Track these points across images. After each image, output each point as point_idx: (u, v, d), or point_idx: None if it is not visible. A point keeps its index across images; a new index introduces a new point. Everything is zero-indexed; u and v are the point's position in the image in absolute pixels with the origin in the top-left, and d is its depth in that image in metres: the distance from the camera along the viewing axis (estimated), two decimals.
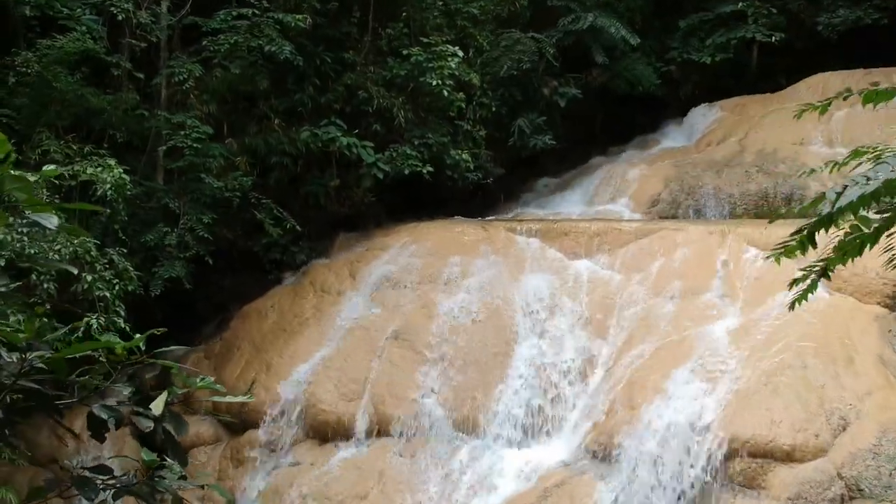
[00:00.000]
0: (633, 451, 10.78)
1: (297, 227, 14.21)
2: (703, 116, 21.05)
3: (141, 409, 3.12)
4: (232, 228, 15.00)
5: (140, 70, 13.87)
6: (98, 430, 3.09)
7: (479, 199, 19.96)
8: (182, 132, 13.21)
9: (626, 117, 22.43)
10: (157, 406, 3.11)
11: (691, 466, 10.35)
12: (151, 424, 3.13)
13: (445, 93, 16.15)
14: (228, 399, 5.54)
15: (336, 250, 15.97)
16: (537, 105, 19.12)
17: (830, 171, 5.64)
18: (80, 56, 12.98)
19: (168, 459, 3.26)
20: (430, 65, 16.00)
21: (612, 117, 22.40)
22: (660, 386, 11.27)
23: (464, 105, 17.14)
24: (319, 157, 15.84)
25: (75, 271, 8.16)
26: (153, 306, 13.99)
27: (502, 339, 13.11)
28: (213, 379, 3.51)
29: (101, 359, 3.14)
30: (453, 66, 16.06)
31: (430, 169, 15.99)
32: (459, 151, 16.79)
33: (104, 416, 3.05)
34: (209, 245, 13.42)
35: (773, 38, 20.38)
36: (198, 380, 3.33)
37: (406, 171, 15.81)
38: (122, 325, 10.48)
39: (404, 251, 14.72)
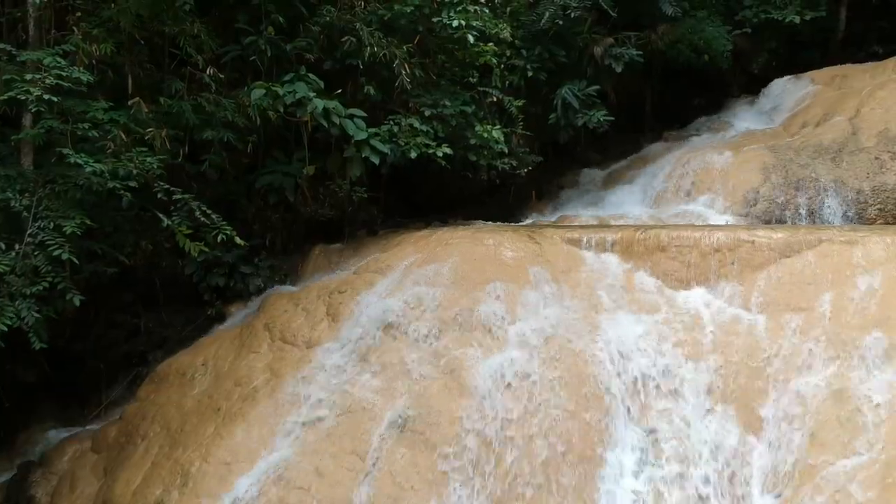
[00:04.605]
0: None
1: (236, 238, 7.87)
2: (789, 92, 14.89)
3: None
4: (151, 237, 8.84)
5: None
6: None
7: (501, 198, 13.89)
8: (29, 77, 6.99)
9: (678, 95, 16.38)
10: None
11: None
12: None
13: (471, 38, 10.00)
14: None
15: (309, 272, 9.73)
16: (584, 70, 12.97)
17: None
18: None
19: None
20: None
21: (661, 95, 16.32)
22: None
23: (495, 62, 11.01)
24: (283, 131, 9.68)
25: None
26: (22, 360, 7.91)
27: (584, 432, 7.00)
28: None
29: None
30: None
31: (448, 151, 9.85)
32: (488, 127, 10.60)
33: None
34: (84, 268, 7.19)
35: None
36: None
37: (413, 155, 9.61)
38: None
39: (412, 276, 8.51)
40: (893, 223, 11.19)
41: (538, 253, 8.65)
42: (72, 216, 6.91)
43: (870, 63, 14.70)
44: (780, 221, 11.41)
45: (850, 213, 11.46)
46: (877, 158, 11.84)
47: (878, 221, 11.31)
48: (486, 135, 10.50)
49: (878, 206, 11.41)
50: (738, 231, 8.55)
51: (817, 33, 15.92)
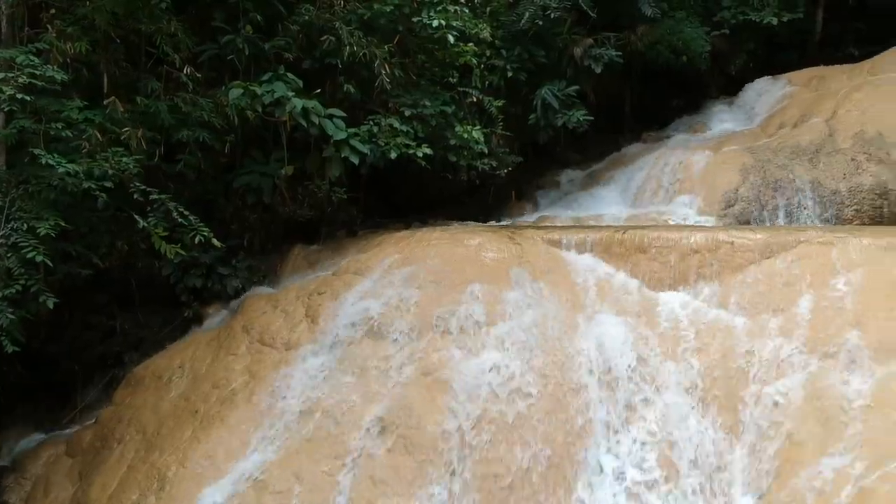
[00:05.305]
0: None
1: (213, 240, 7.80)
2: (766, 93, 15.00)
3: None
4: (127, 238, 8.71)
5: None
6: None
7: (481, 198, 13.82)
8: (1, 76, 6.85)
9: (657, 96, 16.44)
10: None
11: None
12: None
13: (451, 38, 9.97)
14: None
15: (288, 273, 9.65)
16: (564, 71, 12.97)
17: None
18: None
19: None
20: None
21: (640, 96, 16.36)
22: None
23: (475, 62, 10.98)
24: (262, 131, 9.59)
25: None
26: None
27: (565, 433, 6.98)
28: None
29: None
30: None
31: (428, 151, 9.81)
32: (468, 127, 10.58)
33: None
34: (58, 269, 7.08)
35: None
36: None
37: (393, 155, 9.57)
38: None
39: (392, 277, 8.46)
40: (869, 224, 11.27)
41: (518, 254, 8.62)
42: (46, 217, 6.79)
43: (846, 65, 14.81)
44: (759, 222, 11.47)
45: (827, 214, 11.52)
46: (853, 160, 11.92)
47: (855, 222, 11.39)
48: (466, 135, 10.48)
49: (855, 207, 11.48)
50: (717, 232, 8.56)
51: (795, 35, 16.03)
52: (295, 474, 6.75)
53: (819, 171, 11.88)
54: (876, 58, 14.28)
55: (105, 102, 8.03)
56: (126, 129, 8.04)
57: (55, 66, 7.21)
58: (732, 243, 8.21)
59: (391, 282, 8.37)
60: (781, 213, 11.65)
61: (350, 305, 8.21)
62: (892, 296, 7.20)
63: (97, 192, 7.12)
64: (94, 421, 8.41)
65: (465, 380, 7.18)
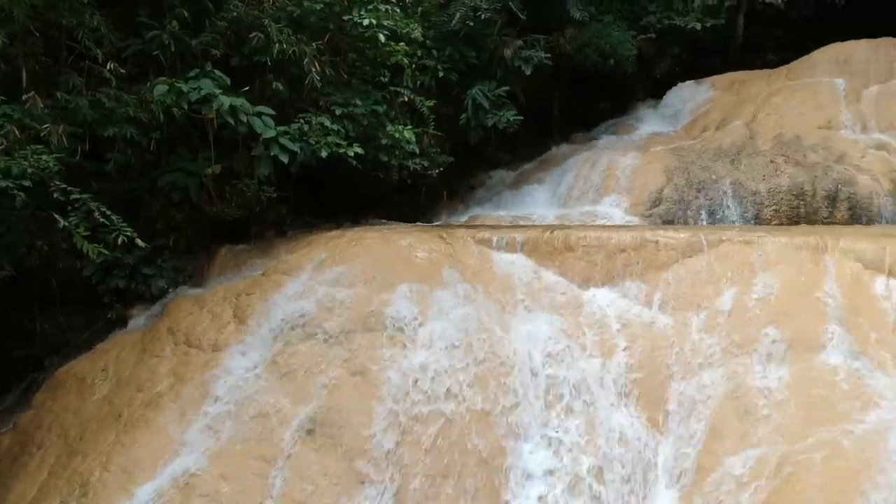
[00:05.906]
0: None
1: (137, 240, 7.60)
2: (690, 96, 15.48)
3: None
4: (47, 237, 8.44)
5: None
6: None
7: (413, 198, 13.84)
8: None
9: (585, 99, 16.74)
10: None
11: None
12: None
13: (382, 37, 9.96)
14: None
15: (215, 274, 9.49)
16: (494, 71, 13.09)
17: None
18: None
19: None
20: None
21: (569, 98, 16.62)
22: None
23: (406, 61, 11.00)
24: (188, 128, 9.40)
25: None
26: None
27: (494, 431, 7.03)
28: None
29: None
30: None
31: (360, 151, 9.78)
32: (400, 127, 10.59)
33: None
34: None
35: (779, 0, 14.97)
36: None
37: (324, 154, 9.51)
38: None
39: (322, 277, 8.40)
40: (787, 224, 11.69)
41: (450, 253, 8.66)
42: None
43: (766, 70, 15.39)
44: (683, 222, 11.80)
45: (747, 214, 11.92)
46: (772, 161, 12.36)
47: (774, 222, 11.79)
48: (397, 135, 10.48)
49: (774, 208, 11.89)
50: (642, 231, 8.77)
51: (717, 40, 16.54)
52: (223, 476, 6.66)
53: (740, 173, 12.28)
54: (793, 63, 14.87)
55: (24, 98, 7.78)
56: (46, 125, 7.79)
57: None
58: (657, 242, 8.41)
59: (321, 282, 8.30)
60: (704, 213, 11.99)
61: (279, 306, 8.12)
62: (806, 293, 7.49)
63: (15, 192, 6.89)
64: (11, 426, 8.12)
65: (395, 380, 7.18)
